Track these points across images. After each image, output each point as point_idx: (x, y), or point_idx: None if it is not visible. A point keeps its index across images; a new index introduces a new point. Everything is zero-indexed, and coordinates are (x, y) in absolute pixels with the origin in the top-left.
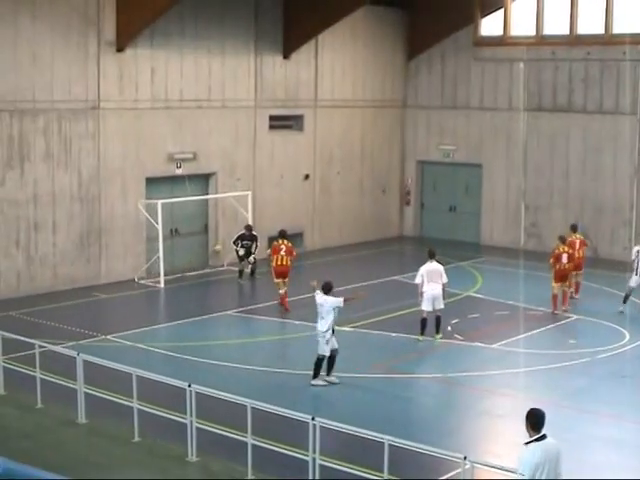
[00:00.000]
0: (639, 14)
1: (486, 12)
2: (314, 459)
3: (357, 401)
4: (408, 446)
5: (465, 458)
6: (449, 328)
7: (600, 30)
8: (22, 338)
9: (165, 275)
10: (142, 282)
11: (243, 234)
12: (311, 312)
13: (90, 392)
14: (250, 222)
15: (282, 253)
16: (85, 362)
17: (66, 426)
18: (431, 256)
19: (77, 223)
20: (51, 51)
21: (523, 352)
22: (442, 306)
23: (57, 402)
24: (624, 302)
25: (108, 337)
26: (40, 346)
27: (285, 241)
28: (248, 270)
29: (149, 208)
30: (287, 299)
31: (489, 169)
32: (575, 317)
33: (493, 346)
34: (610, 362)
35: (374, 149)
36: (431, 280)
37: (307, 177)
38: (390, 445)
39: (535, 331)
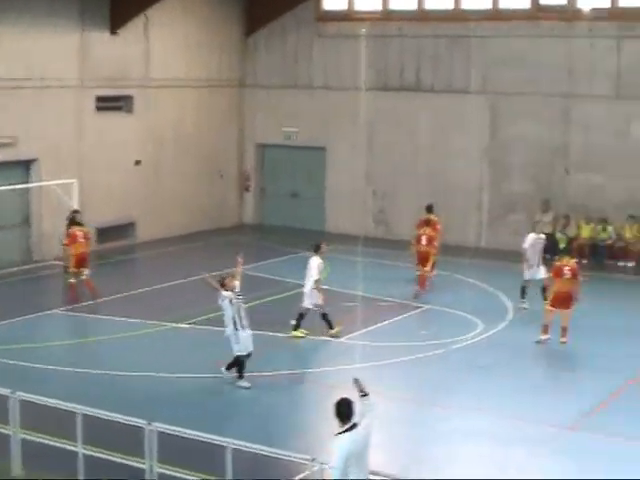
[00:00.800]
0: None
1: None
2: (151, 466)
3: (196, 404)
4: (252, 449)
5: (313, 460)
6: (292, 322)
7: (449, 5)
8: None
9: None
10: None
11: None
12: (135, 307)
13: None
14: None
15: (81, 240)
16: None
17: None
18: (316, 250)
19: None
20: None
21: (373, 345)
22: (315, 302)
23: None
24: (522, 297)
25: None
26: None
27: (81, 227)
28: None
29: None
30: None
31: (334, 152)
32: (426, 307)
33: (341, 339)
34: (464, 353)
35: (210, 132)
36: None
37: (138, 163)
38: (234, 449)
39: (385, 322)
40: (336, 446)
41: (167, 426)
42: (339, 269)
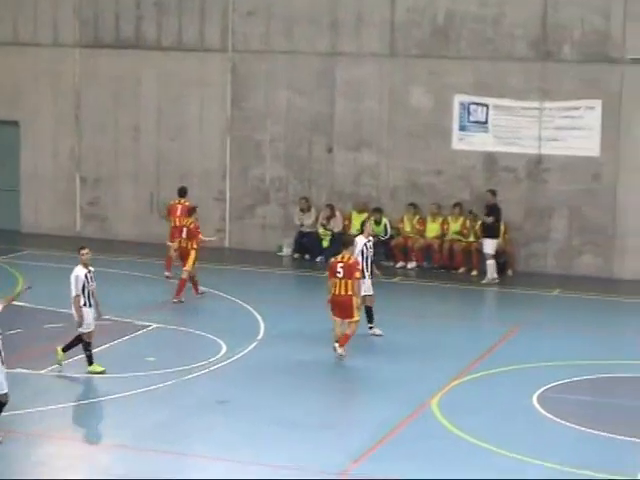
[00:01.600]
0: None
1: None
2: None
3: None
4: None
5: None
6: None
7: None
8: None
9: None
10: None
11: None
12: None
13: None
14: None
15: None
16: None
17: None
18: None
19: None
20: None
21: (84, 377)
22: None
23: None
24: (370, 321)
25: None
26: None
27: None
28: None
29: None
30: None
31: (30, 129)
32: (155, 325)
33: (42, 372)
34: (202, 383)
35: None
36: None
37: None
38: None
39: (102, 347)
40: None
41: None
42: (45, 280)
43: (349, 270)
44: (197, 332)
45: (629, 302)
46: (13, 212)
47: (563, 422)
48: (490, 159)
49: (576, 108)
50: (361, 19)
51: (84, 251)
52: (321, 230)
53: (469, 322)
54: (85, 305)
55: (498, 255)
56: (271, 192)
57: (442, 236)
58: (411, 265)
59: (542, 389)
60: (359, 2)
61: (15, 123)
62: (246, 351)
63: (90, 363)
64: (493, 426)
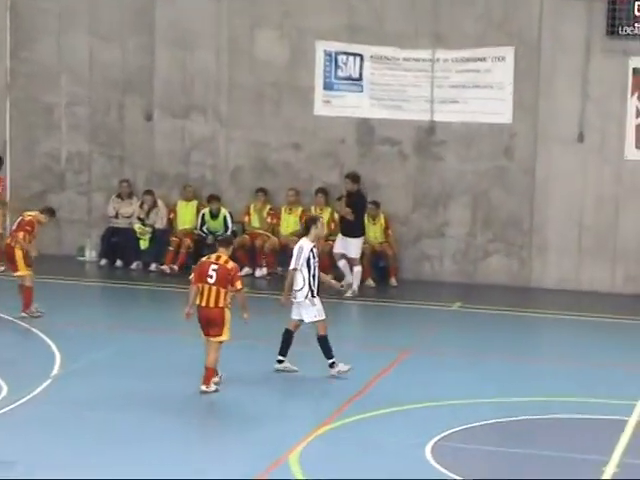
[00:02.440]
0: None
1: None
2: None
3: None
4: None
5: None
6: None
7: None
8: None
9: None
10: None
11: None
12: None
13: None
14: None
15: None
16: None
17: None
18: None
19: None
20: None
21: None
22: None
23: None
24: (329, 356)
25: None
26: None
27: None
28: None
29: None
30: None
31: None
32: None
33: None
34: None
35: None
36: None
37: None
38: None
39: None
40: None
41: None
42: None
43: (225, 277)
44: None
45: (550, 318)
46: None
47: None
48: (366, 128)
49: (481, 59)
50: None
51: None
52: (137, 226)
53: (340, 348)
54: None
55: (372, 258)
56: (68, 174)
57: None
58: (260, 272)
59: (438, 437)
60: None
61: None
62: (35, 393)
63: None
64: None
